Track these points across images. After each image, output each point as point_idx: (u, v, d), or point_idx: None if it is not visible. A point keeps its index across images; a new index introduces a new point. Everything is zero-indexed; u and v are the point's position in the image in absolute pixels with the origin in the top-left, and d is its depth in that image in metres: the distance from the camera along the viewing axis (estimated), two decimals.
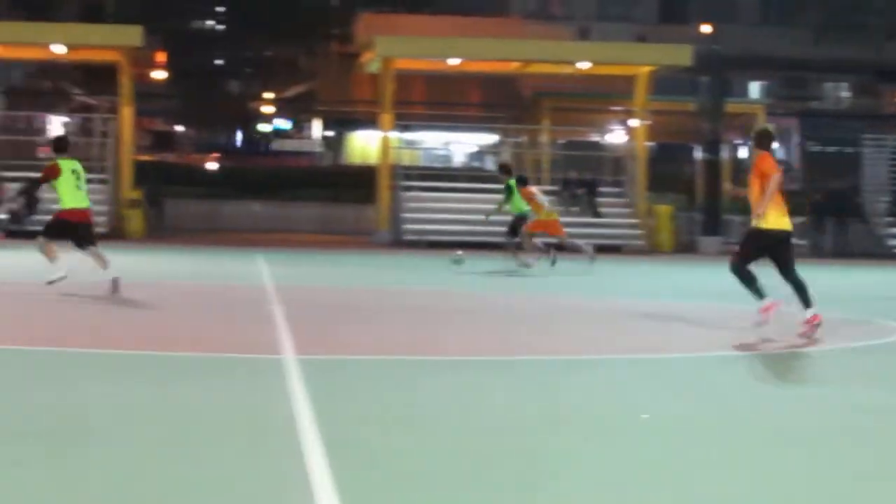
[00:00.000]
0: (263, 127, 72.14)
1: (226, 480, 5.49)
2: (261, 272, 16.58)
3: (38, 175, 16.38)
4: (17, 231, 28.30)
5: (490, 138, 50.32)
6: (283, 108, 71.20)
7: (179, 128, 72.39)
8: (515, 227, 22.83)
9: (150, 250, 25.07)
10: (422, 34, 42.82)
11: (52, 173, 15.17)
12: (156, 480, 5.45)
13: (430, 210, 34.06)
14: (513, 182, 22.93)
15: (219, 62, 75.63)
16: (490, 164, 44.33)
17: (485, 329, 12.51)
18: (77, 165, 15.42)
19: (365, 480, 5.54)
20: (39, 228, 15.90)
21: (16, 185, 30.36)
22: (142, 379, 8.35)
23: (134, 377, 8.44)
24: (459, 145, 52.85)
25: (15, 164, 33.20)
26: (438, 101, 50.83)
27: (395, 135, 36.40)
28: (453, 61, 35.69)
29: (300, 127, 71.40)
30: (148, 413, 7.07)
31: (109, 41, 34.67)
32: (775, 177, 11.65)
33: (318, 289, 16.69)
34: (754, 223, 11.88)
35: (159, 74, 62.36)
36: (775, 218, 11.78)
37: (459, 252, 22.79)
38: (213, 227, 39.42)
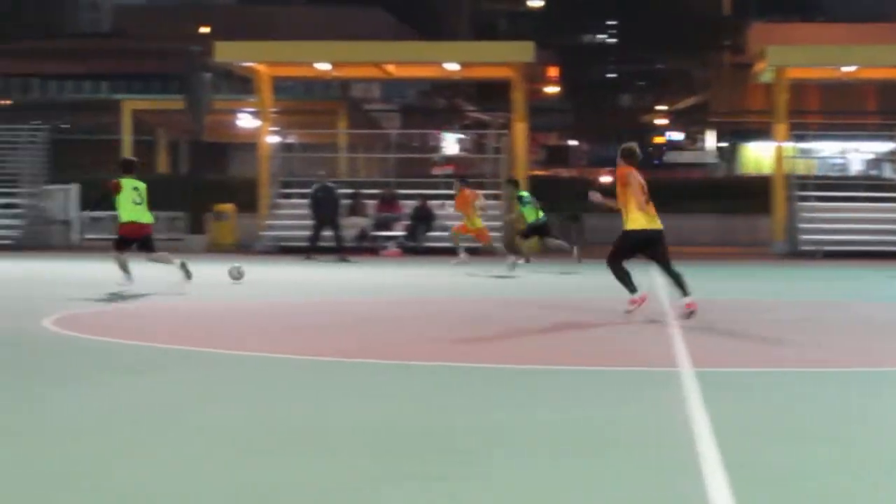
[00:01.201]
0: (657, 139, 71.93)
1: (624, 495, 5.41)
2: (656, 283, 16.42)
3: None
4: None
5: (888, 146, 48.24)
6: (675, 120, 70.79)
7: (572, 142, 73.17)
8: None
9: (550, 265, 25.25)
10: (815, 42, 41.58)
11: (115, 189, 17.26)
12: (555, 492, 5.42)
13: (827, 220, 32.95)
14: None
15: (610, 75, 76.02)
16: (889, 172, 42.45)
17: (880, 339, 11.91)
18: (139, 184, 17.46)
19: (766, 500, 5.32)
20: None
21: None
22: (546, 392, 8.42)
23: (539, 390, 8.51)
24: (856, 153, 50.88)
25: (409, 182, 34.42)
26: (834, 111, 49.25)
27: (789, 144, 35.47)
28: (848, 69, 34.43)
29: (692, 139, 70.78)
30: (550, 425, 7.08)
31: (502, 58, 35.39)
32: (633, 185, 13.39)
33: (718, 302, 16.38)
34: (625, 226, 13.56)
35: (551, 89, 63.24)
36: (645, 220, 13.43)
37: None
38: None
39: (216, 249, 32.09)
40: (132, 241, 17.53)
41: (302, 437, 6.70)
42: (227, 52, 33.80)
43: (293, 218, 32.09)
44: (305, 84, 48.84)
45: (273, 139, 35.93)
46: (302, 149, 41.20)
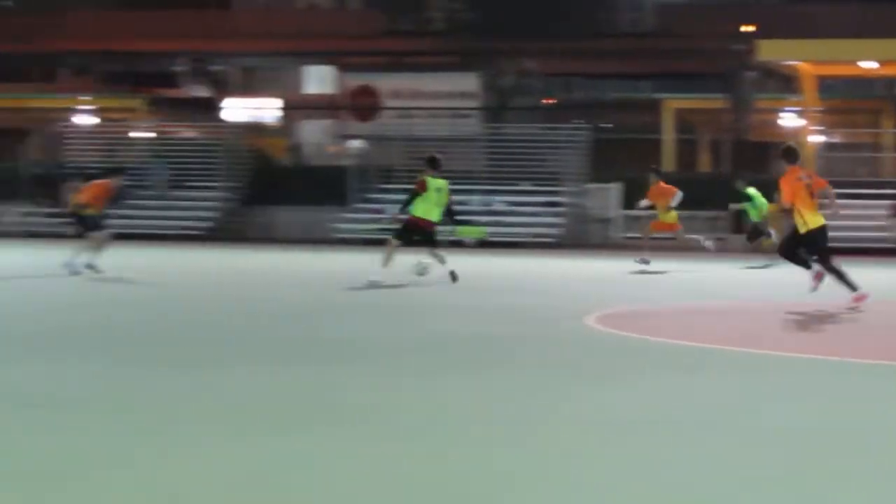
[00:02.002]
0: None
1: None
2: None
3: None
4: None
5: None
6: None
7: None
8: None
9: None
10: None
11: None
12: None
13: None
14: None
15: None
16: None
17: None
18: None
19: None
20: None
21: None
22: None
23: None
24: None
25: None
26: None
27: None
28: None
29: None
30: None
31: None
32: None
33: None
34: None
35: None
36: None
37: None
38: None
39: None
40: (415, 234, 17.87)
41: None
42: (771, 51, 33.26)
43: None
44: (847, 82, 47.11)
45: (816, 138, 34.90)
46: (845, 148, 39.82)
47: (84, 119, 40.97)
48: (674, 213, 23.59)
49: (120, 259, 19.68)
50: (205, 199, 35.09)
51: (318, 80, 50.55)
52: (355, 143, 41.68)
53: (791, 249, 14.58)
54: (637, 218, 35.33)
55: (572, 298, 16.16)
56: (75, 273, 18.31)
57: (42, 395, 7.72)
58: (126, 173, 20.46)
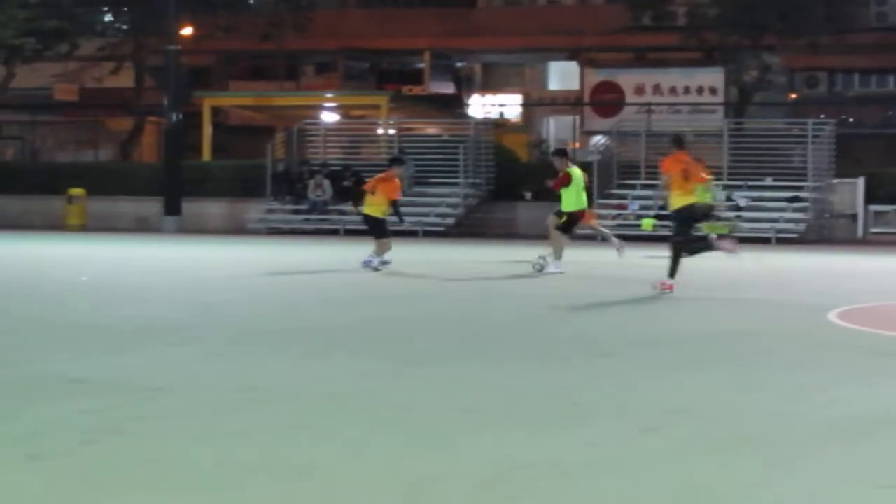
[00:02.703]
0: None
1: None
2: None
3: None
4: None
5: None
6: None
7: None
8: None
9: None
10: None
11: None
12: None
13: None
14: None
15: None
16: None
17: None
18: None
19: None
20: None
21: None
22: None
23: None
24: None
25: None
26: None
27: None
28: None
29: None
30: None
31: None
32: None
33: None
34: None
35: None
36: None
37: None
38: None
39: None
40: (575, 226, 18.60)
41: None
42: None
43: None
44: None
45: None
46: None
47: (327, 116, 42.17)
48: None
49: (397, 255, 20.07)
50: (447, 196, 35.75)
51: (561, 76, 50.86)
52: (598, 139, 41.80)
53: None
54: (884, 213, 34.51)
55: (816, 294, 15.98)
56: (375, 269, 18.79)
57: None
58: (406, 162, 20.56)
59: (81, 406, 7.23)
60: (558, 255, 18.51)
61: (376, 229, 19.41)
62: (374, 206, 19.49)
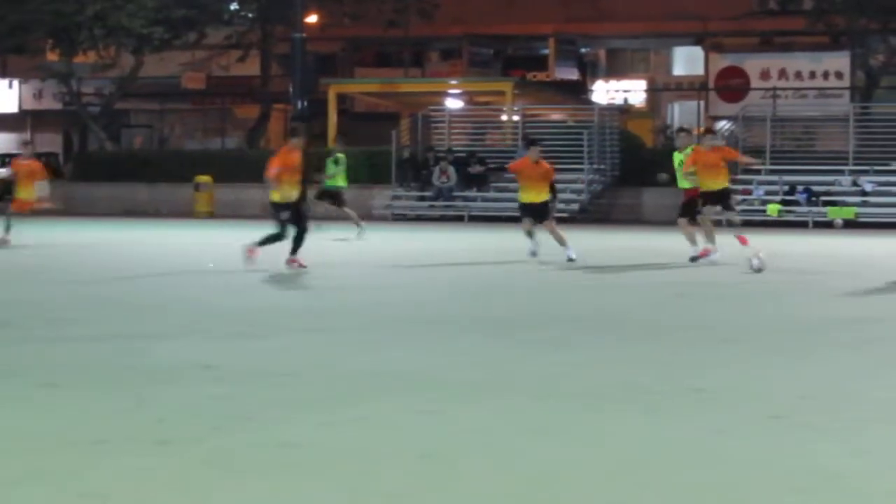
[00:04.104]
0: None
1: None
2: None
3: None
4: None
5: None
6: None
7: None
8: None
9: None
10: None
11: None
12: None
13: None
14: None
15: None
16: None
17: None
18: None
19: None
20: None
21: None
22: None
23: None
24: None
25: None
26: None
27: None
28: None
29: None
30: None
31: None
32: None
33: None
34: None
35: None
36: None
37: None
38: None
39: None
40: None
41: None
42: None
43: None
44: None
45: None
46: None
47: (452, 103, 42.26)
48: None
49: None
50: (573, 182, 35.64)
51: (686, 61, 50.36)
52: (723, 124, 41.33)
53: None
54: None
55: None
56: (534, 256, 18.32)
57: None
58: (540, 144, 19.58)
59: (212, 392, 7.38)
60: (694, 240, 18.24)
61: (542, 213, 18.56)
62: (534, 192, 18.45)
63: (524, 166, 18.77)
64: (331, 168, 25.32)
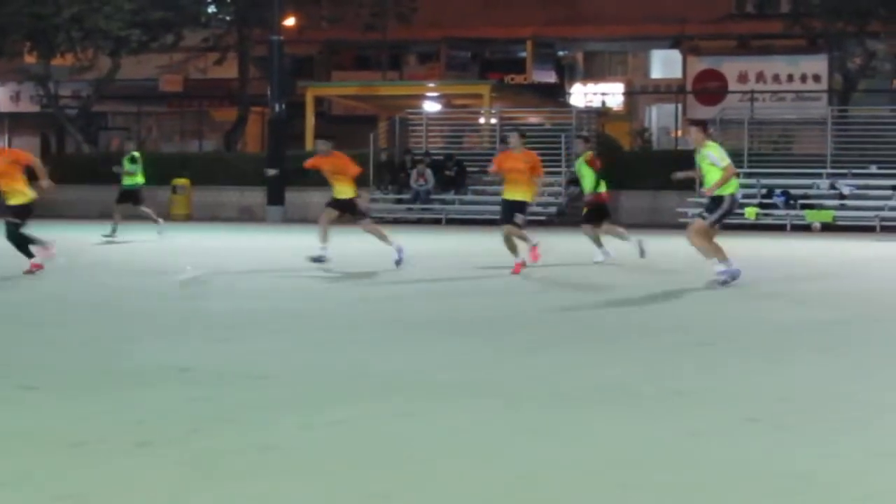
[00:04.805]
0: None
1: None
2: None
3: None
4: None
5: None
6: None
7: None
8: None
9: None
10: None
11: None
12: None
13: None
14: None
15: None
16: None
17: None
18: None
19: None
20: None
21: None
22: None
23: None
24: None
25: None
26: None
27: None
28: None
29: None
30: None
31: None
32: None
33: None
34: None
35: None
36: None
37: None
38: None
39: None
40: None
41: None
42: None
43: None
44: None
45: None
46: None
47: (430, 106, 42.26)
48: None
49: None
50: (549, 185, 35.64)
51: (664, 64, 50.50)
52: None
53: None
54: None
55: None
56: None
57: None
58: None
59: (190, 394, 7.38)
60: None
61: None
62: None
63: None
64: (127, 165, 25.21)
